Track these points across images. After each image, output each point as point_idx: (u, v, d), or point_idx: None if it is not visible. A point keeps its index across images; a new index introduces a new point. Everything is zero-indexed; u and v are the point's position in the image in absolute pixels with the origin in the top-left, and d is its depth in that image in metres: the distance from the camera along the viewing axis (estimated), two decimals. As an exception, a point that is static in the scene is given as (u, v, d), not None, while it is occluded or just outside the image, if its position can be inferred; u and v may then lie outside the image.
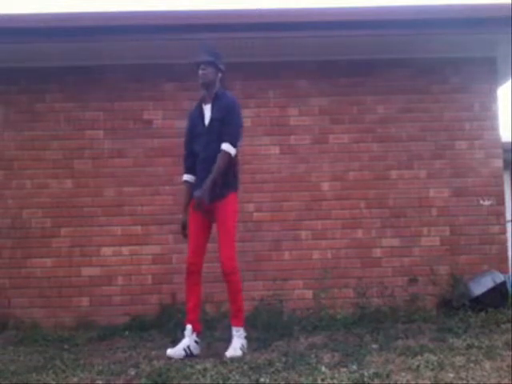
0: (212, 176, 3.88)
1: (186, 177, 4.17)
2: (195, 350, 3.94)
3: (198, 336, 3.98)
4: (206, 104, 4.08)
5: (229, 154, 3.95)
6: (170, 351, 3.88)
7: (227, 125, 3.98)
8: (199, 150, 4.04)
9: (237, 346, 3.89)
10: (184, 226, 4.13)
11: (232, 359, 3.68)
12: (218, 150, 3.94)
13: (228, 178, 3.99)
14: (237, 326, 3.99)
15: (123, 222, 5.51)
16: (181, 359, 3.77)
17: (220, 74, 4.10)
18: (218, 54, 4.11)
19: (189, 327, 3.95)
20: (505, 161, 6.02)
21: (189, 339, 3.93)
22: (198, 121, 4.08)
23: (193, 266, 4.00)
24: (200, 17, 5.25)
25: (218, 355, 3.85)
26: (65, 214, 5.51)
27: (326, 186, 5.61)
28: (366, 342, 4.08)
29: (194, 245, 4.02)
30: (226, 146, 3.94)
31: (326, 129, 5.67)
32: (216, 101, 4.04)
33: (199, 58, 4.05)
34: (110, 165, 5.57)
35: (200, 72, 4.03)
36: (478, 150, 5.71)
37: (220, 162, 3.92)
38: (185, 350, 3.89)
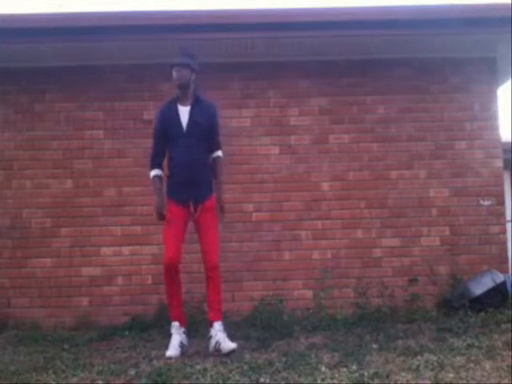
0: (221, 184, 4.22)
1: (158, 171, 4.19)
2: (186, 342, 4.09)
3: (185, 330, 4.13)
4: (182, 105, 4.11)
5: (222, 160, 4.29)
6: (170, 352, 3.92)
7: (215, 133, 4.22)
8: (178, 153, 4.07)
9: (226, 339, 3.92)
10: (162, 208, 4.11)
11: (232, 359, 3.68)
12: (202, 154, 4.12)
13: (211, 180, 4.19)
14: (220, 320, 4.04)
15: (123, 221, 5.51)
16: (180, 359, 3.78)
17: (194, 76, 4.14)
18: (193, 56, 4.17)
19: (176, 324, 4.08)
20: (505, 161, 6.02)
21: (179, 336, 4.05)
22: (174, 122, 4.08)
23: (172, 261, 4.00)
24: (200, 17, 5.25)
25: (218, 355, 3.85)
26: (65, 213, 5.51)
27: (326, 186, 5.61)
28: (365, 342, 4.09)
29: (174, 243, 4.03)
30: (220, 153, 4.25)
31: (326, 129, 5.67)
32: (197, 104, 4.10)
33: (175, 59, 4.11)
34: (110, 165, 5.57)
35: (175, 73, 4.10)
36: (477, 150, 5.71)
37: (222, 169, 4.26)
38: (180, 346, 4.00)
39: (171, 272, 4.02)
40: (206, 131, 4.09)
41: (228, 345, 3.86)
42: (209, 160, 4.19)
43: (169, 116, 4.12)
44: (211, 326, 4.01)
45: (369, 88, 5.72)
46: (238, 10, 5.38)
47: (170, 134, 4.09)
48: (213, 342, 3.95)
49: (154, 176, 4.18)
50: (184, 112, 4.08)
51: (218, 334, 3.95)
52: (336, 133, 5.67)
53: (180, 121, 4.07)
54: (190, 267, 5.37)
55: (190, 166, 4.04)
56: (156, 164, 4.19)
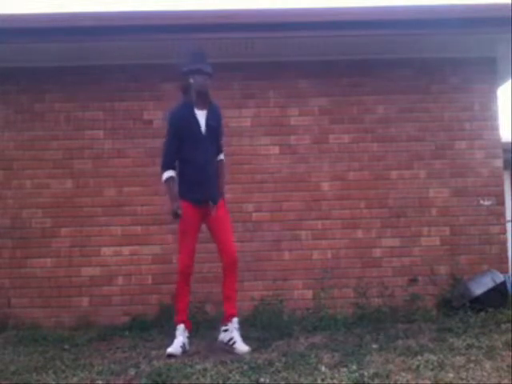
0: (223, 188, 4.29)
1: (173, 173, 4.20)
2: (188, 346, 4.09)
3: (189, 333, 4.15)
4: (198, 109, 4.17)
5: None
6: (171, 349, 3.94)
7: (221, 136, 4.35)
8: (196, 155, 4.12)
9: (241, 340, 4.01)
10: (178, 207, 4.08)
11: (232, 359, 3.68)
12: (215, 156, 4.27)
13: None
14: (236, 316, 4.09)
15: (123, 221, 5.51)
16: (180, 359, 3.78)
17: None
18: None
19: (182, 326, 4.08)
20: (505, 161, 6.02)
21: (182, 338, 4.05)
22: (193, 125, 4.14)
23: (189, 268, 4.12)
24: (200, 17, 5.25)
25: (218, 355, 3.85)
26: (65, 214, 5.51)
27: (326, 185, 5.61)
28: (365, 342, 4.08)
29: (191, 248, 4.12)
30: (223, 156, 4.37)
31: (326, 129, 5.67)
32: (211, 108, 4.21)
33: (202, 66, 4.15)
34: (110, 165, 5.57)
35: (201, 80, 4.15)
36: (477, 150, 5.71)
37: (225, 171, 4.39)
38: (182, 347, 4.00)
39: (186, 277, 4.10)
40: (217, 134, 4.25)
41: (243, 347, 3.95)
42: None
43: (187, 120, 4.16)
44: (229, 320, 4.06)
45: (369, 88, 5.72)
46: (237, 10, 5.38)
47: (188, 137, 4.13)
48: (227, 336, 4.03)
49: (169, 177, 4.18)
50: (201, 116, 4.16)
51: (235, 331, 4.03)
52: (336, 133, 5.67)
53: (199, 124, 4.15)
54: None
55: (207, 168, 4.15)
56: (170, 165, 4.20)
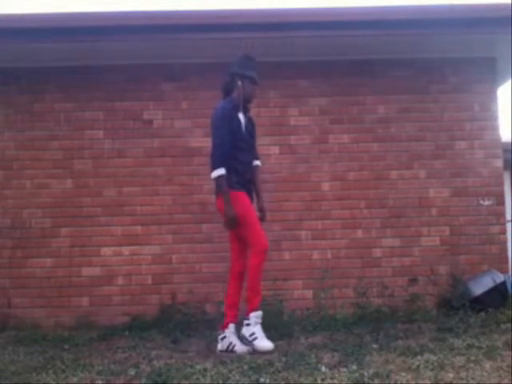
0: (261, 192, 4.43)
1: (224, 171, 4.05)
2: None
3: None
4: (239, 113, 4.27)
5: None
6: (270, 343, 3.94)
7: (256, 142, 4.45)
8: (244, 155, 4.22)
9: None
10: (235, 216, 4.01)
11: (232, 359, 3.68)
12: (251, 161, 4.36)
13: None
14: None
15: (123, 221, 5.51)
16: (180, 359, 3.78)
17: None
18: None
19: (261, 313, 4.05)
20: (505, 161, 6.02)
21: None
22: (238, 127, 4.22)
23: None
24: (200, 17, 5.25)
25: (218, 355, 3.85)
26: (65, 214, 5.51)
27: (326, 185, 5.61)
28: (365, 342, 4.08)
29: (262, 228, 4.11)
30: (259, 163, 4.48)
31: (326, 129, 5.67)
32: (248, 116, 4.36)
33: (256, 76, 4.30)
34: (110, 165, 5.57)
35: (252, 89, 4.31)
36: (477, 150, 5.71)
37: (261, 176, 4.54)
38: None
39: (266, 257, 4.05)
40: (253, 141, 4.40)
41: (243, 348, 4.02)
42: None
43: (237, 121, 4.22)
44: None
45: (369, 88, 5.72)
46: (237, 10, 5.37)
47: (236, 136, 4.17)
48: (248, 331, 3.98)
49: (222, 175, 4.01)
50: (242, 120, 4.28)
51: (232, 336, 4.05)
52: (336, 133, 5.67)
53: (242, 128, 4.25)
54: (192, 267, 5.38)
55: (249, 168, 4.28)
56: (225, 162, 4.05)
